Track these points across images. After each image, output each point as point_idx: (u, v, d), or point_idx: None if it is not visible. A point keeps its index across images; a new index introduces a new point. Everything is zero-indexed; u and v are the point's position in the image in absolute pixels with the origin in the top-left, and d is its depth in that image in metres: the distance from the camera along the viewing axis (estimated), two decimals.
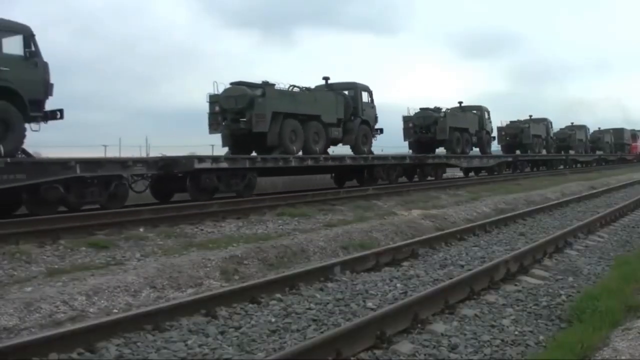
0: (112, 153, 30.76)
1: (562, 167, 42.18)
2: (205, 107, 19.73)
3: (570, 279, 8.15)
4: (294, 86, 21.13)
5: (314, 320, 6.16)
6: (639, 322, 5.56)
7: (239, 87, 19.51)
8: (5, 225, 10.60)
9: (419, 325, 5.84)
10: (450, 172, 31.76)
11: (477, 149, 33.55)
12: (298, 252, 9.87)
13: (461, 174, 31.60)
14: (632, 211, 16.08)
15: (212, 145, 24.65)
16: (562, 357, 4.84)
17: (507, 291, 7.32)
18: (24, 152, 13.74)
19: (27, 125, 13.48)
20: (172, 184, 16.47)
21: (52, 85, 13.99)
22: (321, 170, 23.19)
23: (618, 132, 56.61)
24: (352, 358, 5.01)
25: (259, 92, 19.29)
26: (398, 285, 7.70)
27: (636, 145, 59.75)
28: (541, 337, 5.73)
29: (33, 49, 13.48)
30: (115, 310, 6.78)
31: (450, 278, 7.71)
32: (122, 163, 14.73)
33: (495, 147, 37.91)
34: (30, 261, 8.59)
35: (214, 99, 19.57)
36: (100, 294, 7.06)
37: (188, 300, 6.56)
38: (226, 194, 16.78)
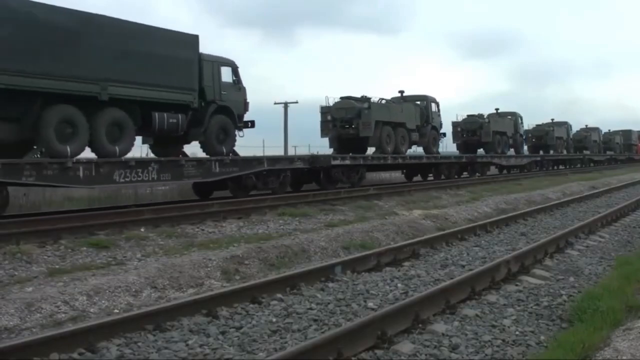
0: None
1: (579, 165, 45.36)
2: None
3: (572, 279, 8.15)
4: (382, 99, 25.76)
5: (315, 320, 6.16)
6: None
7: (348, 101, 24.28)
8: (6, 225, 10.61)
9: (420, 326, 5.84)
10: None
11: (512, 150, 36.38)
12: (299, 252, 9.87)
13: (496, 172, 35.41)
14: (633, 211, 16.08)
15: None
16: (563, 357, 4.84)
17: (508, 291, 7.32)
18: (234, 152, 18.54)
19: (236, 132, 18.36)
20: (309, 176, 20.70)
21: (248, 103, 18.94)
22: (402, 167, 27.80)
23: (627, 134, 60.45)
24: (353, 358, 5.01)
25: (365, 105, 24.03)
26: (399, 285, 7.69)
27: None
28: (542, 337, 5.73)
29: (237, 77, 18.43)
30: (116, 310, 6.78)
31: (451, 278, 7.71)
32: (290, 159, 20.10)
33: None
34: (31, 261, 8.60)
35: (325, 110, 24.52)
36: (101, 294, 7.06)
37: (189, 300, 6.56)
38: (345, 184, 21.14)
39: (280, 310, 6.47)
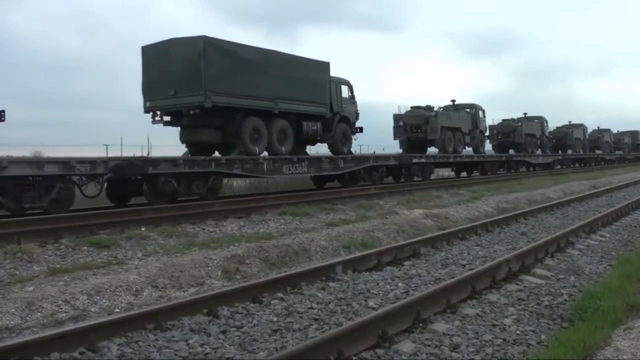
0: (113, 152, 30.88)
1: (593, 163, 49.07)
2: None
3: (572, 278, 8.14)
4: (440, 107, 31.01)
5: (316, 319, 6.16)
6: None
7: (417, 110, 30.04)
8: (7, 224, 10.62)
9: (421, 325, 5.84)
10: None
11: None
12: (300, 251, 9.87)
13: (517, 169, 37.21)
14: (633, 210, 16.08)
15: None
16: (564, 356, 4.83)
17: (508, 290, 7.32)
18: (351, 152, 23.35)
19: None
20: (395, 171, 25.05)
21: (359, 113, 24.05)
22: (457, 165, 31.97)
23: (634, 134, 65.03)
24: (353, 357, 5.01)
25: (432, 113, 29.79)
26: (400, 284, 7.69)
27: None
28: (543, 337, 5.73)
29: (352, 93, 23.56)
30: (117, 310, 6.79)
31: (452, 277, 7.71)
32: (386, 157, 24.58)
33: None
34: (32, 260, 8.61)
35: (397, 117, 30.06)
36: (102, 293, 7.07)
37: (190, 300, 6.56)
38: (419, 177, 25.59)
39: (281, 310, 6.47)
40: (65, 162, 13.08)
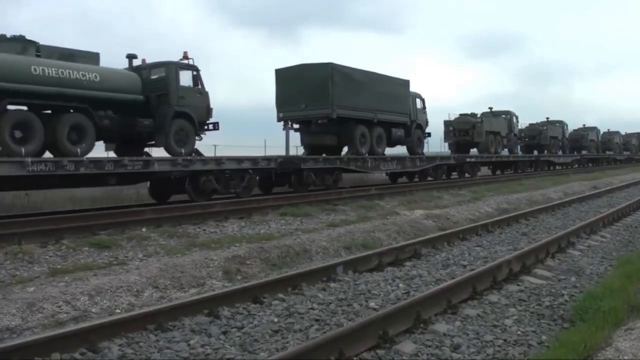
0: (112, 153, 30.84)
1: (605, 163, 52.16)
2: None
3: (573, 278, 8.14)
4: (481, 113, 35.74)
5: (317, 320, 6.16)
6: None
7: (465, 117, 34.77)
8: (8, 225, 10.64)
9: (422, 325, 5.83)
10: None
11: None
12: (300, 252, 9.87)
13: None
14: (634, 211, 16.06)
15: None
16: (564, 357, 4.83)
17: (509, 291, 7.31)
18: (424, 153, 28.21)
19: None
20: (451, 169, 29.42)
21: (428, 121, 28.65)
22: (494, 164, 36.22)
23: None
24: (354, 358, 5.01)
25: (479, 119, 34.47)
26: (400, 285, 7.69)
27: None
28: (544, 337, 5.72)
29: (424, 104, 28.31)
30: (117, 310, 6.79)
31: (453, 278, 7.70)
32: (448, 157, 29.29)
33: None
34: (33, 261, 8.61)
35: (448, 123, 34.75)
36: (103, 294, 7.07)
37: (190, 300, 6.56)
38: (469, 174, 29.67)
39: (281, 310, 6.47)
40: (253, 159, 17.96)
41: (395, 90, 24.90)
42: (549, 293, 7.27)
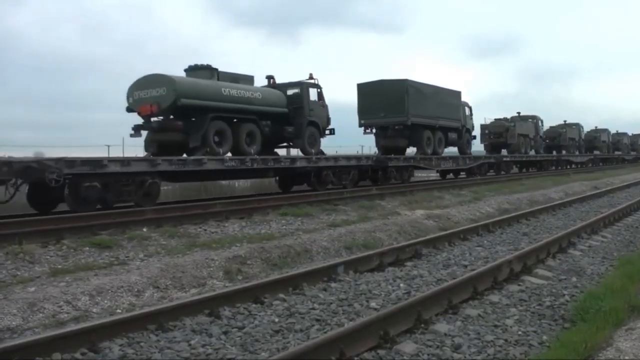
0: (114, 153, 30.94)
1: (615, 162, 55.95)
2: None
3: (574, 279, 8.14)
4: (512, 118, 40.80)
5: (318, 320, 6.16)
6: None
7: (499, 121, 39.63)
8: (9, 225, 10.64)
9: (423, 325, 5.83)
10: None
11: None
12: (301, 252, 9.87)
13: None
14: (635, 211, 16.06)
15: None
16: (565, 357, 4.83)
17: (510, 291, 7.31)
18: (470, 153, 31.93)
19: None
20: (489, 167, 33.42)
21: (474, 126, 33.75)
22: (523, 163, 40.18)
23: None
24: (355, 358, 5.01)
25: (512, 123, 39.21)
26: (401, 285, 7.69)
27: None
28: (545, 337, 5.72)
29: (471, 111, 32.76)
30: (118, 310, 6.79)
31: (454, 278, 7.70)
32: (487, 157, 33.91)
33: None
34: (34, 261, 8.61)
35: (484, 127, 38.77)
36: (104, 294, 7.07)
37: (191, 300, 6.56)
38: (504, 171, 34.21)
39: (282, 310, 6.47)
40: (358, 158, 23.45)
41: (451, 100, 29.62)
42: (549, 293, 7.27)
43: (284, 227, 12.37)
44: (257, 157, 18.37)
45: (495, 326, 5.98)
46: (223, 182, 21.12)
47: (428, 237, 11.10)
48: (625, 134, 65.23)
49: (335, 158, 21.54)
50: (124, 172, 13.99)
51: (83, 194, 13.14)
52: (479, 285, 7.14)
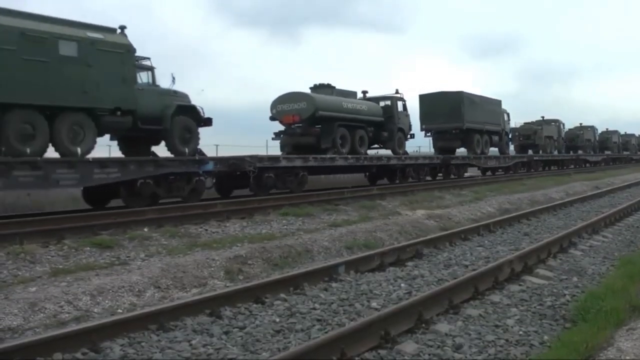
0: (115, 153, 30.90)
1: (624, 162, 59.25)
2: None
3: (575, 278, 8.14)
4: (537, 121, 45.18)
5: (318, 320, 6.16)
6: None
7: (528, 124, 44.17)
8: (10, 225, 10.65)
9: (424, 325, 5.83)
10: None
11: (556, 152, 46.86)
12: (302, 252, 9.87)
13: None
14: (636, 211, 16.05)
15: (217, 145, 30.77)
16: (566, 357, 4.83)
17: (511, 291, 7.31)
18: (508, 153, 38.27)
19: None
20: (522, 165, 38.71)
21: (510, 129, 40.07)
22: (548, 162, 44.05)
23: None
24: (356, 358, 5.01)
25: (540, 127, 43.52)
26: (402, 285, 7.69)
27: None
28: (545, 337, 5.72)
29: (509, 117, 38.15)
30: (119, 310, 6.79)
31: (455, 278, 7.70)
32: (513, 157, 38.12)
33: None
34: (35, 261, 8.61)
35: (514, 130, 42.40)
36: (105, 294, 7.07)
37: (192, 300, 6.56)
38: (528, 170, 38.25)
39: (283, 310, 6.47)
40: (430, 157, 29.32)
41: (494, 108, 34.68)
42: (550, 293, 7.27)
43: (285, 227, 12.37)
44: (367, 155, 24.35)
45: (496, 326, 5.98)
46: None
47: (429, 237, 11.10)
48: (632, 135, 68.86)
49: (416, 157, 27.93)
50: (289, 167, 19.32)
51: (264, 182, 18.39)
52: (480, 285, 7.14)
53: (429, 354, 5.18)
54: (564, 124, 48.73)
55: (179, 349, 5.30)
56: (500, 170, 34.80)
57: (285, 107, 22.67)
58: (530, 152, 42.37)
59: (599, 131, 58.20)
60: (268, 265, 9.11)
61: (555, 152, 45.75)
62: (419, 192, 19.83)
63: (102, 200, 15.98)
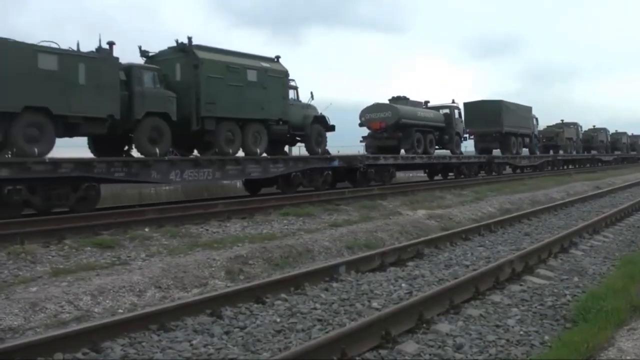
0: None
1: (632, 161, 63.40)
2: None
3: (576, 278, 8.13)
4: (557, 124, 49.30)
5: (319, 320, 6.16)
6: None
7: (550, 127, 47.67)
8: (11, 225, 10.64)
9: (424, 325, 5.83)
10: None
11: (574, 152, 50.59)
12: (303, 252, 9.87)
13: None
14: (637, 211, 16.03)
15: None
16: (567, 357, 4.83)
17: (512, 291, 7.31)
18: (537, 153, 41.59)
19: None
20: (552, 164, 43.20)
21: (537, 132, 44.14)
22: (567, 161, 47.41)
23: None
24: (357, 358, 5.01)
25: (561, 129, 47.29)
26: (403, 285, 7.69)
27: None
28: (546, 337, 5.72)
29: (537, 121, 43.83)
30: (120, 310, 6.79)
31: (456, 278, 7.70)
32: (540, 157, 41.56)
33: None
34: (36, 261, 8.62)
35: (540, 133, 44.38)
36: (106, 293, 7.07)
37: (193, 300, 6.56)
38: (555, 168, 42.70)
39: (284, 310, 6.47)
40: (479, 157, 33.78)
41: (526, 114, 39.18)
42: (551, 293, 7.26)
43: (286, 227, 12.37)
44: (435, 154, 29.14)
45: (497, 326, 5.98)
46: (224, 182, 22.17)
47: (430, 237, 11.10)
48: (638, 136, 72.46)
49: (469, 157, 32.54)
50: (383, 164, 23.88)
51: (367, 177, 22.75)
52: (480, 285, 7.14)
53: (430, 354, 5.18)
54: (581, 127, 52.74)
55: (180, 349, 5.30)
56: (528, 168, 38.96)
57: (373, 115, 27.49)
58: (551, 152, 46.00)
59: (610, 133, 62.25)
60: (269, 265, 9.11)
61: (574, 152, 49.41)
62: (420, 192, 19.83)
63: (256, 189, 20.77)
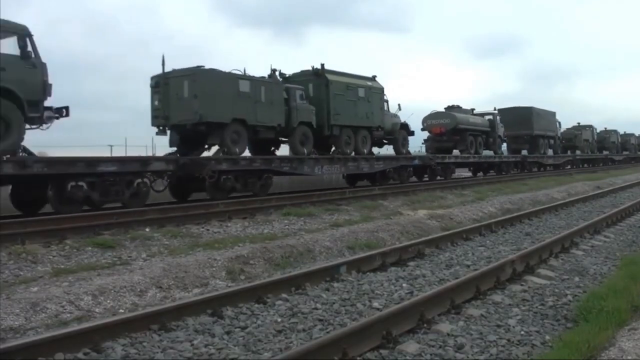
0: (117, 153, 31.00)
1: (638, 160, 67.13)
2: None
3: (577, 278, 8.13)
4: (575, 127, 53.09)
5: (320, 320, 6.16)
6: None
7: (570, 129, 50.78)
8: (11, 225, 10.64)
9: (425, 325, 5.83)
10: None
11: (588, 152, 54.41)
12: (304, 252, 9.87)
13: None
14: (638, 211, 16.03)
15: None
16: (568, 357, 4.82)
17: (513, 291, 7.30)
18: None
19: None
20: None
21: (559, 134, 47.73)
22: (585, 161, 50.69)
23: None
24: (358, 358, 5.01)
25: (579, 132, 50.91)
26: (404, 285, 7.69)
27: None
28: (547, 337, 5.71)
29: (560, 125, 48.53)
30: (121, 310, 6.79)
31: (457, 278, 7.70)
32: (562, 157, 46.20)
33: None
34: (36, 261, 8.62)
35: (561, 135, 47.66)
36: (106, 293, 7.08)
37: (194, 300, 6.56)
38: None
39: (285, 310, 6.47)
40: (500, 157, 36.14)
41: (551, 118, 43.74)
42: (552, 293, 7.26)
43: (287, 227, 12.37)
44: (482, 155, 32.98)
45: (498, 326, 5.98)
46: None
47: (431, 237, 11.10)
48: None
49: (508, 157, 37.16)
50: (448, 162, 28.47)
51: (435, 173, 27.38)
52: (481, 285, 7.13)
53: (431, 354, 5.18)
54: (596, 129, 56.86)
55: (181, 349, 5.30)
56: (550, 167, 42.39)
57: (434, 121, 31.83)
58: (568, 152, 49.49)
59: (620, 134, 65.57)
60: (270, 265, 9.12)
61: (589, 153, 53.10)
62: (421, 192, 19.82)
63: (353, 182, 25.03)
